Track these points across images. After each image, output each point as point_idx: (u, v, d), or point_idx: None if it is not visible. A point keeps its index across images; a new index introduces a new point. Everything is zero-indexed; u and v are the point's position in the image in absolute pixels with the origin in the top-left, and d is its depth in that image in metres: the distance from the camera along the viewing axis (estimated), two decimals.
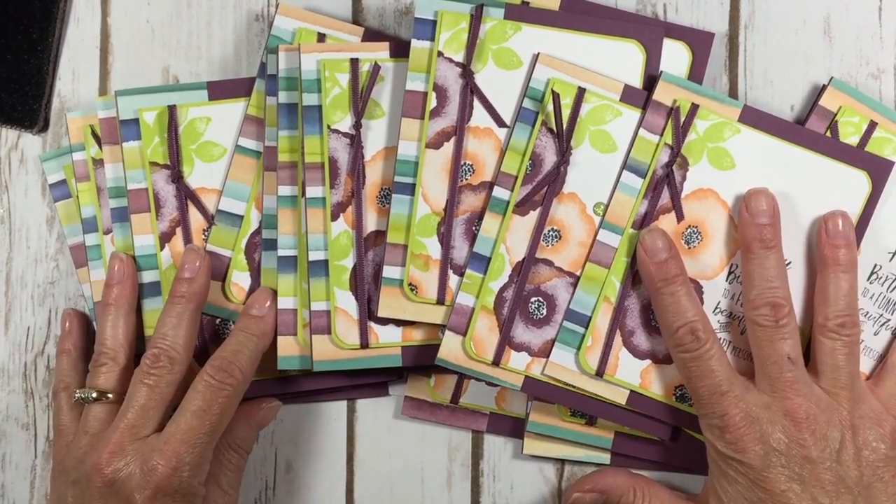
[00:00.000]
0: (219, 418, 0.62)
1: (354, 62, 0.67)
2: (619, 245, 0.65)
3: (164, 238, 0.68)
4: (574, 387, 0.65)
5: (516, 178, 0.65)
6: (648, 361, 0.66)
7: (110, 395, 0.65)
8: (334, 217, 0.66)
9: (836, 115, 0.66)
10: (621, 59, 0.66)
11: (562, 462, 0.70)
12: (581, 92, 0.65)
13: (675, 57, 0.67)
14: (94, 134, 0.69)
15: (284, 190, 0.67)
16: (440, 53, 0.66)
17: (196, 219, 0.68)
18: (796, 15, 0.70)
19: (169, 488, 0.61)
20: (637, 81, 0.66)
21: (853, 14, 0.70)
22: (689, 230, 0.65)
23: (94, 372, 0.66)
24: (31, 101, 0.71)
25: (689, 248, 0.65)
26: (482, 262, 0.66)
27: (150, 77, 0.72)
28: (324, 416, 0.71)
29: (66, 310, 0.71)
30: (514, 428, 0.70)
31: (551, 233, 0.66)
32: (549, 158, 0.66)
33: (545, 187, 0.65)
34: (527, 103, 0.65)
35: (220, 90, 0.68)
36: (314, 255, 0.66)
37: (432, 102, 0.66)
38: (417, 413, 0.70)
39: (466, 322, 0.65)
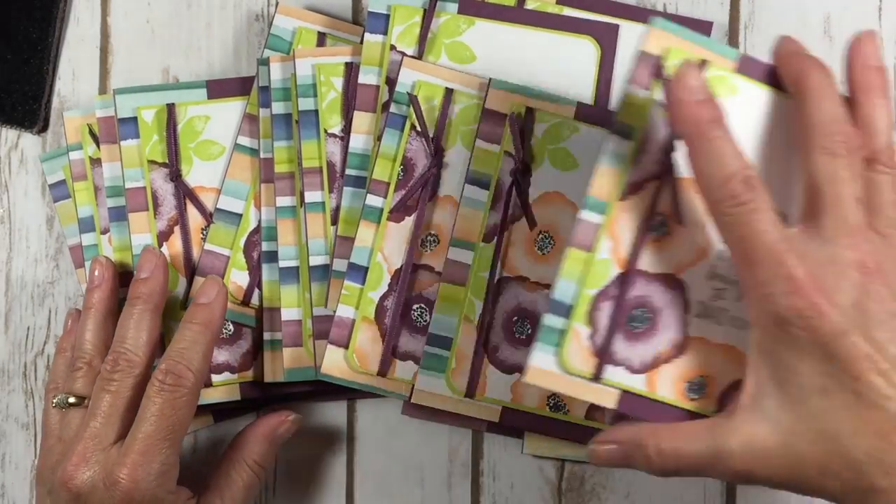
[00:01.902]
0: (176, 422, 0.60)
1: (349, 66, 0.67)
2: (472, 261, 0.65)
3: (162, 237, 0.68)
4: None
5: (388, 184, 0.65)
6: (518, 375, 0.65)
7: (86, 401, 0.63)
8: (334, 221, 0.66)
9: (660, 58, 0.56)
10: (576, 56, 0.66)
11: (562, 462, 0.70)
12: (449, 93, 0.65)
13: None
14: (91, 133, 0.69)
15: (284, 200, 0.67)
16: (393, 47, 0.66)
17: (194, 217, 0.68)
18: (796, 15, 0.70)
19: (134, 500, 0.59)
20: (591, 78, 0.66)
21: (853, 14, 0.69)
22: (540, 236, 0.65)
23: (71, 377, 0.64)
24: (31, 101, 0.72)
25: (543, 254, 0.65)
26: (359, 273, 0.65)
27: (149, 77, 0.72)
28: (324, 416, 0.71)
29: (71, 309, 0.70)
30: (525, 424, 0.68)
31: (429, 238, 0.65)
32: (422, 162, 0.65)
33: (419, 191, 0.65)
34: (394, 108, 0.65)
35: (218, 89, 0.68)
36: (315, 260, 0.66)
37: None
38: (418, 413, 0.69)
39: (348, 334, 0.65)
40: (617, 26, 0.66)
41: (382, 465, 0.71)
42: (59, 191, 0.71)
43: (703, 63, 0.56)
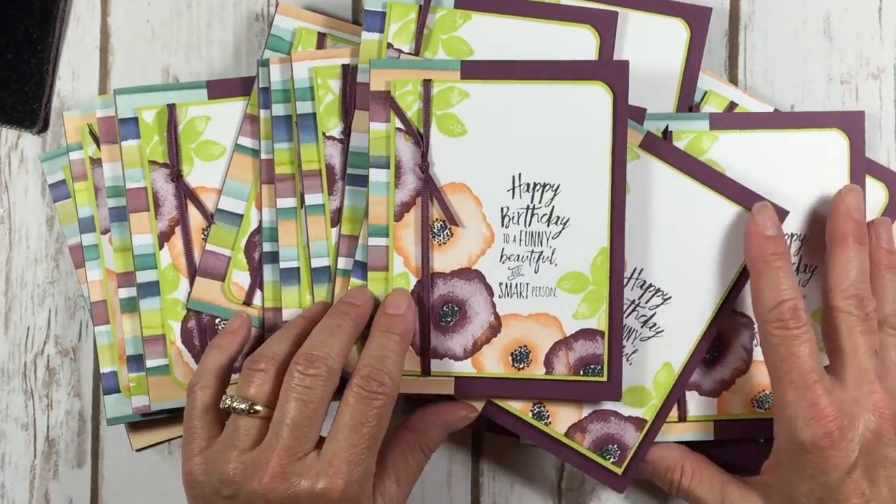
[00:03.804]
0: (377, 429, 0.59)
1: (346, 68, 0.67)
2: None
3: (163, 237, 0.68)
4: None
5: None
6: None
7: (258, 409, 0.60)
8: (334, 223, 0.66)
9: (389, 92, 0.65)
10: (575, 45, 0.66)
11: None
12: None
13: (674, 34, 0.67)
14: (91, 133, 0.69)
15: (284, 202, 0.67)
16: (390, 45, 0.66)
17: (195, 218, 0.68)
18: (796, 15, 0.70)
19: None
20: None
21: (853, 14, 0.70)
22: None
23: (248, 377, 0.60)
24: (31, 101, 0.72)
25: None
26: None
27: (149, 77, 0.72)
28: None
29: (241, 313, 0.67)
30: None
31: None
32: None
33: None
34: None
35: (219, 89, 0.68)
36: (316, 262, 0.66)
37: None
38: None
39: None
40: (615, 13, 0.66)
41: None
42: (59, 191, 0.70)
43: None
